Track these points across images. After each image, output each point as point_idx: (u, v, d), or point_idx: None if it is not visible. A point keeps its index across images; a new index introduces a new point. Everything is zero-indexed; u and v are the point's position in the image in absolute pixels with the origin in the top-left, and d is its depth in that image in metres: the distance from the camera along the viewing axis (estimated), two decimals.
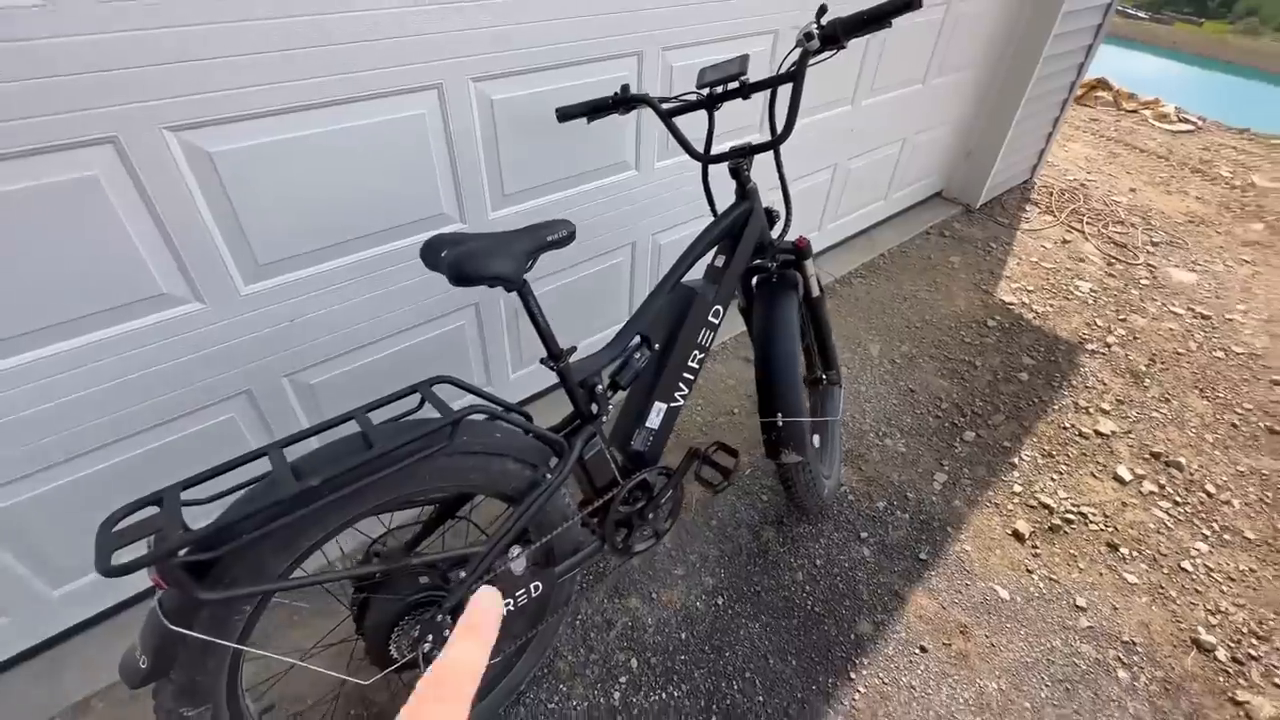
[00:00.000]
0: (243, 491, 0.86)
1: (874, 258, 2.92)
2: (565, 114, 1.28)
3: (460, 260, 0.90)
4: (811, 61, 1.13)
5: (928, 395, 2.19)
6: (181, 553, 0.74)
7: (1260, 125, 5.64)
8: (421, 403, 1.00)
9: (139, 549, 0.72)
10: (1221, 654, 1.51)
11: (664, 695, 1.35)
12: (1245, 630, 1.57)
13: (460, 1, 1.21)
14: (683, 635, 1.45)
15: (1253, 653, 1.53)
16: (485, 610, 0.27)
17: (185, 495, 0.80)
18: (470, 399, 1.01)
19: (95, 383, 1.12)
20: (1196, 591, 1.65)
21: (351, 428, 0.91)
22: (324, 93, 1.13)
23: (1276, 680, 1.48)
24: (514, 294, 1.00)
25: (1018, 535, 1.74)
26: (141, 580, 1.38)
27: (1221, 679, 1.47)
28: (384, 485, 0.89)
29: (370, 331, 1.45)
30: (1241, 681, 1.47)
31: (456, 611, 1.02)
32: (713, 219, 1.32)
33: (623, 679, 1.37)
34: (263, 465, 0.83)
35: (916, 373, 2.29)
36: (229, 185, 1.11)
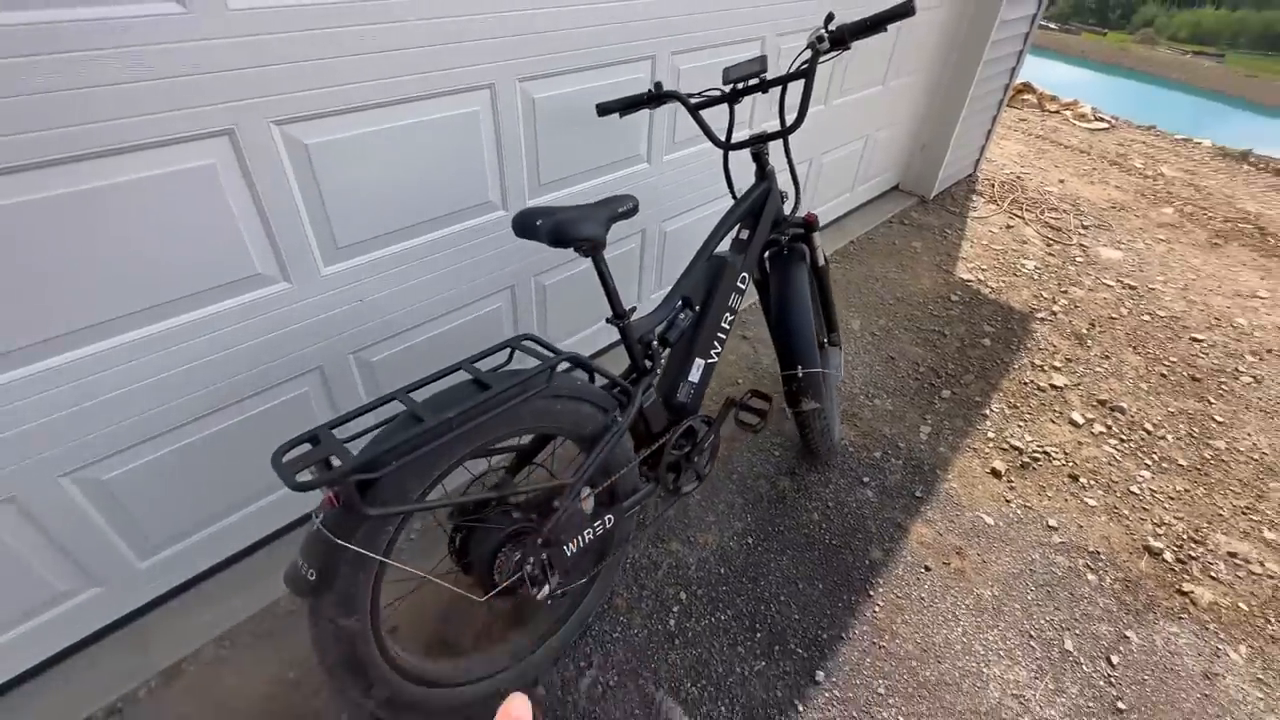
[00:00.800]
0: (380, 429, 0.99)
1: (845, 244, 3.19)
2: (605, 109, 1.45)
3: (559, 225, 1.07)
4: (821, 60, 1.34)
5: (906, 361, 2.44)
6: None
7: (1161, 124, 6.29)
8: (510, 356, 1.15)
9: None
10: (1168, 556, 1.79)
11: (713, 619, 1.52)
12: (1185, 537, 1.86)
13: (513, 10, 1.37)
14: (722, 570, 1.63)
15: (1192, 554, 1.81)
16: (518, 715, 0.28)
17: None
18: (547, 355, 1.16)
19: (198, 356, 1.22)
20: (1144, 509, 1.94)
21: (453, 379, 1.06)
22: (402, 90, 1.27)
23: (1212, 574, 1.76)
24: (587, 259, 1.17)
25: (995, 473, 2.00)
26: (204, 559, 1.47)
27: (1169, 576, 1.74)
28: (496, 421, 1.03)
29: (424, 312, 1.58)
30: (1185, 577, 1.75)
31: (550, 537, 1.17)
32: (734, 200, 1.52)
33: (675, 609, 1.53)
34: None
35: (894, 343, 2.54)
36: (319, 173, 1.24)
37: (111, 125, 0.97)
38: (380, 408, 1.01)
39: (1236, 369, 2.60)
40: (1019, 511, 1.88)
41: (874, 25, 1.26)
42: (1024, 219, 3.73)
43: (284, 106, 1.13)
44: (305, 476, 0.85)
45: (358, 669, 1.02)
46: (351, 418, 1.00)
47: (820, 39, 1.30)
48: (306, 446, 0.92)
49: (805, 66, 1.35)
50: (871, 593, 1.61)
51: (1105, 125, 5.89)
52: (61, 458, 1.14)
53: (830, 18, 1.31)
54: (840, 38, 1.29)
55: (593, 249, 1.13)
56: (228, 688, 1.33)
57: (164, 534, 1.37)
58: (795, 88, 1.39)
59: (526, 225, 1.11)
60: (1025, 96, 6.45)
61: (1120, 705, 1.44)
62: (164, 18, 0.96)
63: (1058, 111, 6.16)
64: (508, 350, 1.15)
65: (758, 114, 2.24)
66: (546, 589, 1.18)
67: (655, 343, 1.34)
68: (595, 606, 1.44)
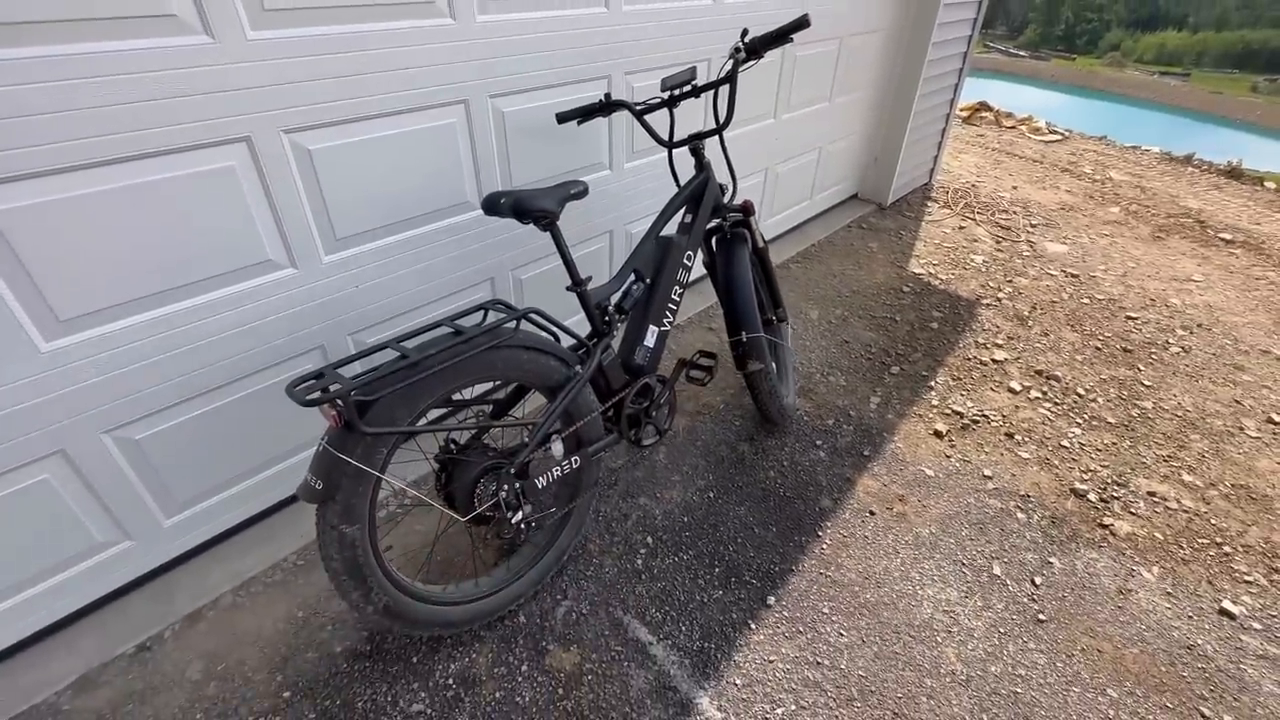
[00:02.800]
0: (374, 369, 1.20)
1: (806, 247, 3.44)
2: (563, 117, 1.70)
3: (519, 201, 1.30)
4: (741, 69, 1.60)
5: (859, 344, 2.66)
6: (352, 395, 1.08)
7: (1123, 138, 6.64)
8: (484, 316, 1.37)
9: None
10: (1092, 497, 1.98)
11: (677, 559, 1.70)
12: (1109, 482, 2.05)
13: (482, 38, 1.63)
14: (685, 519, 1.81)
15: (1115, 495, 2.00)
16: None
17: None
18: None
19: (218, 331, 1.44)
20: (1073, 460, 2.13)
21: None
22: (390, 105, 1.52)
23: (1132, 510, 1.94)
24: (547, 234, 1.40)
25: (937, 434, 2.20)
26: (221, 520, 1.65)
27: (1093, 513, 1.93)
28: (471, 364, 1.25)
29: (412, 299, 1.80)
30: (1107, 513, 1.93)
31: (521, 470, 1.37)
32: (678, 189, 1.76)
33: (642, 551, 1.71)
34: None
35: (849, 328, 2.77)
36: (321, 175, 1.47)
37: (154, 133, 1.21)
38: (374, 354, 1.22)
39: (1167, 341, 2.82)
40: (958, 465, 2.08)
41: (779, 37, 1.52)
42: (975, 220, 4.01)
43: (292, 118, 1.38)
44: (312, 396, 1.05)
45: (358, 575, 1.21)
46: (350, 360, 1.21)
47: (738, 50, 1.57)
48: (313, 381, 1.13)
49: (729, 74, 1.60)
50: (820, 534, 1.80)
51: (1059, 137, 6.25)
52: (104, 416, 1.34)
53: (745, 32, 1.58)
54: (754, 48, 1.55)
55: (550, 222, 1.36)
56: (244, 627, 1.50)
57: (187, 494, 1.56)
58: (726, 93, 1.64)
59: (493, 203, 1.34)
60: (983, 114, 6.84)
61: (1041, 617, 1.61)
62: (198, 46, 1.21)
63: (1014, 127, 6.53)
64: (482, 311, 1.37)
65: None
66: (520, 515, 1.37)
67: (611, 308, 1.56)
68: (569, 545, 1.62)
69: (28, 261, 1.15)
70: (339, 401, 1.06)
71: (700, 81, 1.66)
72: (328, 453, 1.13)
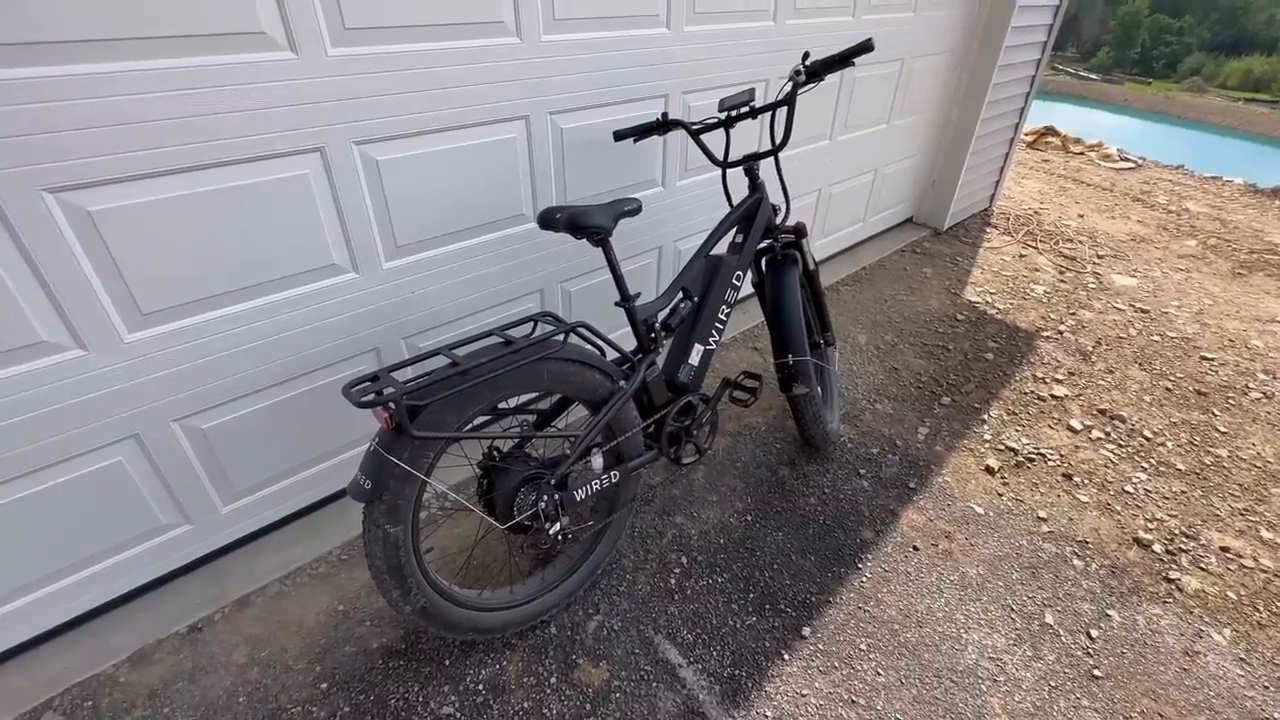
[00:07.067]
0: (426, 375, 1.23)
1: (857, 270, 3.38)
2: (620, 134, 1.73)
3: (574, 217, 1.32)
4: (801, 91, 1.59)
5: (909, 371, 2.59)
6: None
7: (1201, 167, 6.29)
8: (534, 328, 1.39)
9: None
10: (1157, 548, 1.86)
11: (711, 581, 1.68)
12: (1177, 533, 1.92)
13: (547, 57, 1.68)
14: (721, 540, 1.79)
15: (1183, 547, 1.87)
16: None
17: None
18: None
19: (283, 330, 1.50)
20: (1137, 507, 2.01)
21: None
22: (454, 119, 1.57)
23: (1202, 565, 1.82)
24: (599, 249, 1.42)
25: (989, 470, 2.11)
26: (273, 510, 1.70)
27: (1157, 565, 1.81)
28: (520, 375, 1.27)
29: (464, 306, 1.85)
30: (1174, 566, 1.81)
31: (561, 481, 1.38)
32: (730, 208, 1.76)
33: (676, 570, 1.70)
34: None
35: (899, 355, 2.70)
36: (386, 184, 1.53)
37: (238, 141, 1.28)
38: (427, 360, 1.26)
39: (1246, 385, 2.64)
40: (1010, 504, 1.99)
41: (841, 60, 1.51)
42: (1037, 249, 3.86)
43: (364, 131, 1.44)
44: (367, 397, 1.09)
45: (399, 574, 1.24)
46: (404, 365, 1.25)
47: (798, 72, 1.56)
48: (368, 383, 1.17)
49: (787, 96, 1.60)
50: (860, 566, 1.74)
51: (1130, 165, 5.97)
52: (175, 405, 1.42)
53: (806, 55, 1.57)
54: (814, 71, 1.54)
55: (602, 239, 1.38)
56: (289, 615, 1.55)
57: (244, 483, 1.63)
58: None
59: (548, 218, 1.37)
60: (1049, 139, 6.60)
61: (1097, 673, 1.52)
62: (282, 61, 1.28)
63: (1082, 153, 6.28)
64: (531, 323, 1.39)
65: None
66: (558, 526, 1.38)
67: (658, 325, 1.56)
68: (604, 558, 1.62)
69: (118, 257, 1.24)
70: (391, 405, 1.10)
71: (758, 103, 1.67)
72: (378, 454, 1.16)
